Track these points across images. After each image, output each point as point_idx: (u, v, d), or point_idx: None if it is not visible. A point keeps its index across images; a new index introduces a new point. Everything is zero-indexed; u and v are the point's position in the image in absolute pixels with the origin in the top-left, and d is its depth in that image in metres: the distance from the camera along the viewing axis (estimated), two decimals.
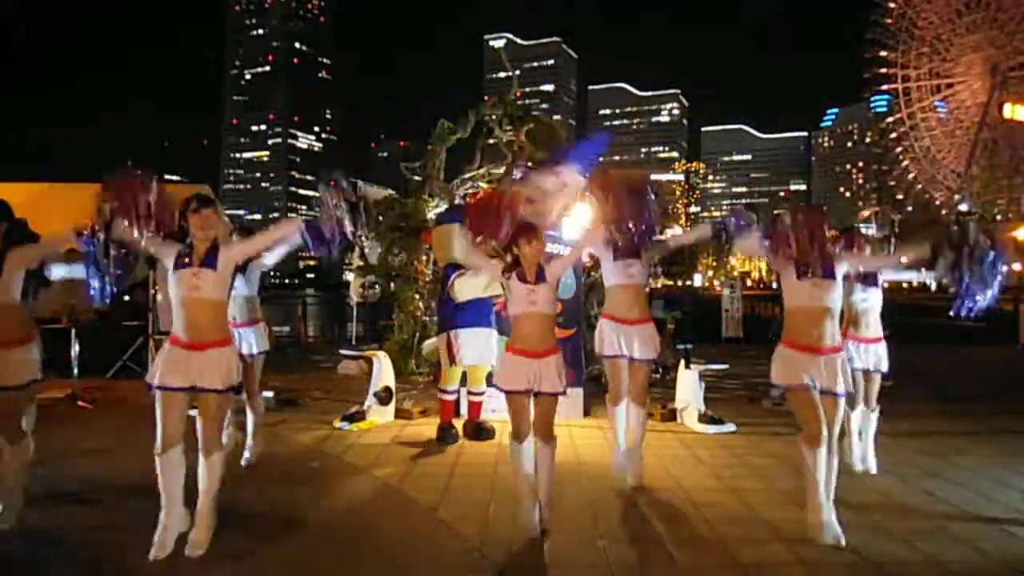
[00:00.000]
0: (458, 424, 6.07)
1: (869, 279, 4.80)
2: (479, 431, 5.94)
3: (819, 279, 3.72)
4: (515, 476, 3.92)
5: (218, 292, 3.51)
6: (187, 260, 3.47)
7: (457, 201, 8.78)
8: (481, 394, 6.11)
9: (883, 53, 57.25)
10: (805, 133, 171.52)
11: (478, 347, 5.86)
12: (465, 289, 5.82)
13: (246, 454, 5.11)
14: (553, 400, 3.86)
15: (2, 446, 3.76)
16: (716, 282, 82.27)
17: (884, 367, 4.91)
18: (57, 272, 4.00)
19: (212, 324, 3.49)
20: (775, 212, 4.09)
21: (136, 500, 4.34)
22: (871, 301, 4.85)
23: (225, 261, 3.51)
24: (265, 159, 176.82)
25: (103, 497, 4.41)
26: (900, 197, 63.55)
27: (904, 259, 4.05)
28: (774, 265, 3.91)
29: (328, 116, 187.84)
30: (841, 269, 3.80)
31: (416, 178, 9.40)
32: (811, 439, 3.68)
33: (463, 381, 6.12)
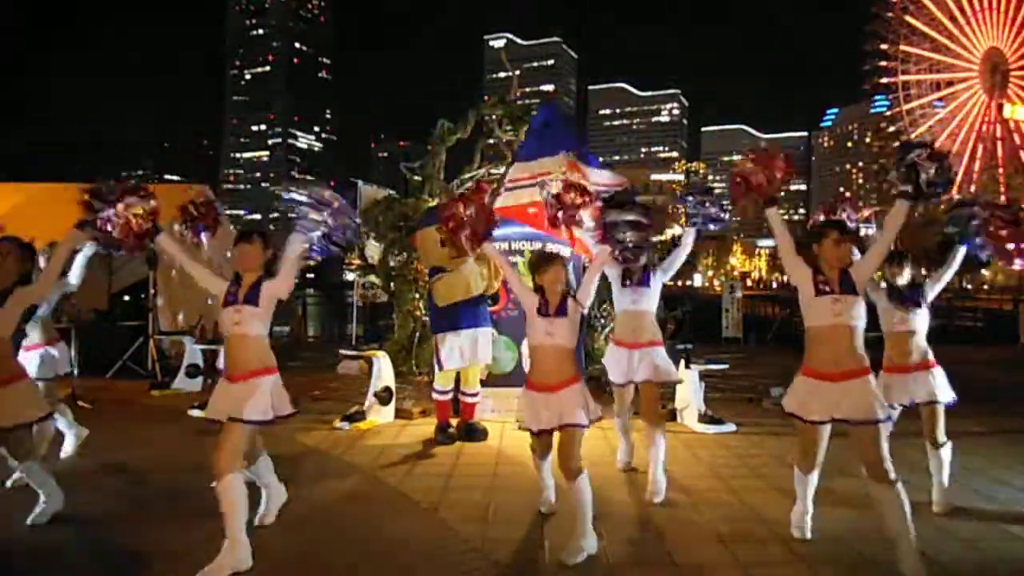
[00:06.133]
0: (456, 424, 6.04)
1: (910, 301, 4.17)
2: (471, 432, 5.92)
3: (839, 295, 3.34)
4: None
5: (258, 327, 3.49)
6: (232, 296, 3.49)
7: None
8: (475, 395, 6.08)
9: (883, 46, 57.20)
10: (805, 133, 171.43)
11: (463, 350, 5.82)
12: (444, 293, 5.80)
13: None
14: (575, 432, 3.61)
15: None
16: (716, 282, 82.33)
17: (943, 396, 4.13)
18: None
19: (252, 357, 3.47)
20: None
21: (135, 498, 4.37)
22: (913, 324, 4.17)
23: (267, 296, 3.50)
24: (265, 159, 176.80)
25: (103, 496, 4.41)
26: None
27: (888, 231, 3.48)
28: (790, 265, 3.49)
29: (328, 116, 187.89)
30: (859, 279, 3.41)
31: (416, 178, 9.39)
32: (804, 469, 3.70)
33: (458, 381, 6.09)
